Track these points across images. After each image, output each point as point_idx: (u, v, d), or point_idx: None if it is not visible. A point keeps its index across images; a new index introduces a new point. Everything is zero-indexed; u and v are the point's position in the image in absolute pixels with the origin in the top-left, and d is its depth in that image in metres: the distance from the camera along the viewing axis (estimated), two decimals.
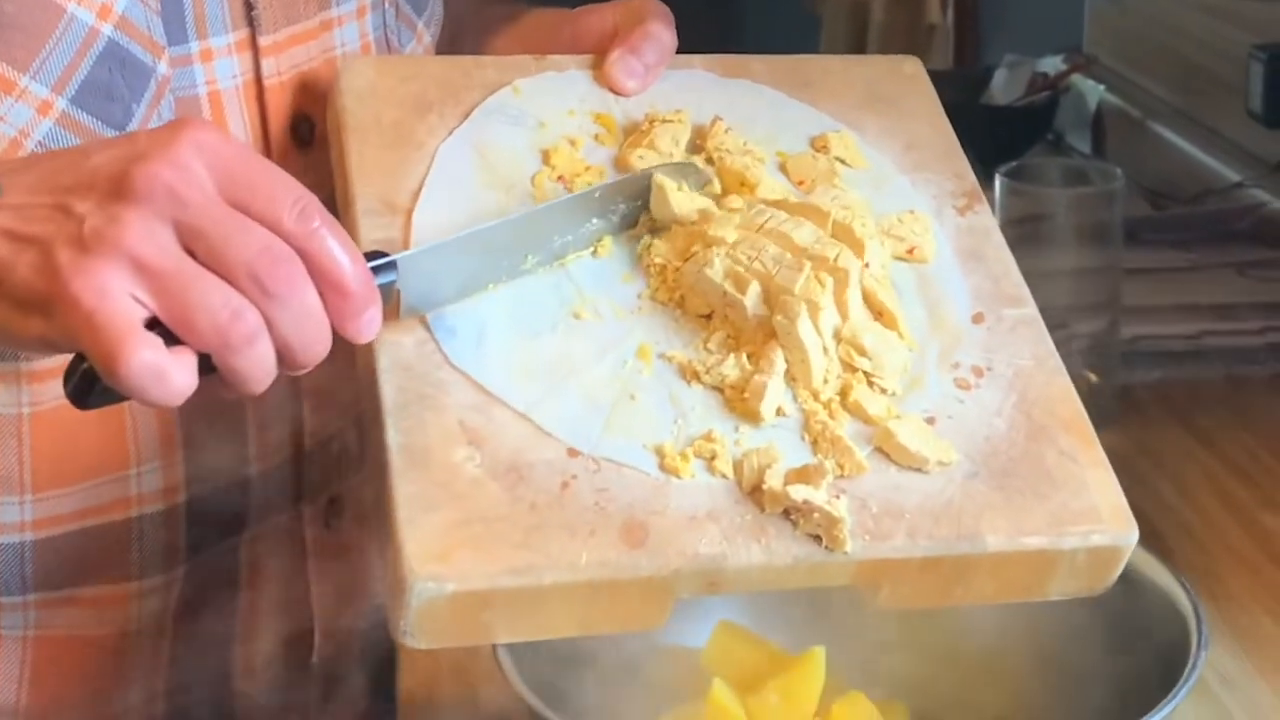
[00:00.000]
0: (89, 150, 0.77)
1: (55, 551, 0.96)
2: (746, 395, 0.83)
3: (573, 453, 0.81)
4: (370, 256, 0.79)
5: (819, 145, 0.97)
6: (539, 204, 0.90)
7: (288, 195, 0.75)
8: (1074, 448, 0.86)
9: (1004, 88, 2.19)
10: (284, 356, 0.76)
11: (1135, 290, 1.48)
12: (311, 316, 0.75)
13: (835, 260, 0.85)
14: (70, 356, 0.76)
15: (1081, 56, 2.20)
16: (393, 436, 0.80)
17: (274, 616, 1.06)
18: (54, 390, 0.78)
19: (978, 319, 0.90)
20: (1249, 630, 1.10)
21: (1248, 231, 1.71)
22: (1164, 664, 0.88)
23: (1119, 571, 0.85)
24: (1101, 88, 2.13)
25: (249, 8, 0.95)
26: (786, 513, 0.81)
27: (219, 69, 0.95)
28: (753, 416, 0.83)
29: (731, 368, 0.84)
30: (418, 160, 0.92)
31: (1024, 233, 1.35)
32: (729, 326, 0.86)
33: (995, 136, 1.89)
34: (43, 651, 0.99)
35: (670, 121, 0.95)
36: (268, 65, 0.97)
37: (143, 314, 0.73)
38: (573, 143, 0.95)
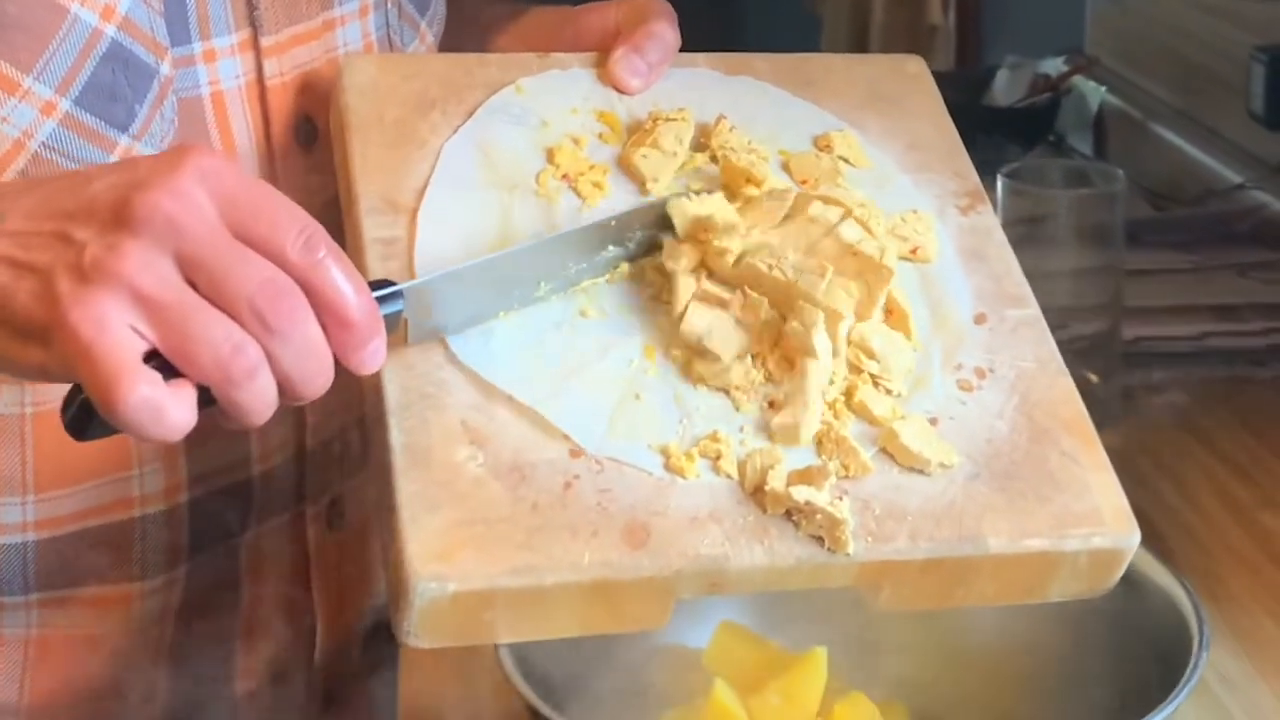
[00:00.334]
0: (90, 175, 0.76)
1: (57, 552, 0.96)
2: (776, 429, 0.83)
3: (575, 453, 0.81)
4: (376, 285, 0.79)
5: (822, 144, 0.97)
6: (552, 232, 0.89)
7: (292, 224, 0.74)
8: (1076, 449, 0.86)
9: (1005, 89, 2.19)
10: (285, 389, 0.75)
11: (1136, 291, 1.47)
12: (313, 350, 0.75)
13: (881, 258, 0.85)
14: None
15: (1083, 58, 2.20)
16: (395, 436, 0.80)
17: (276, 617, 1.06)
18: (57, 391, 0.78)
19: (980, 319, 0.90)
20: (1250, 631, 1.10)
21: (1249, 233, 1.71)
22: (1165, 664, 0.88)
23: (1120, 573, 0.85)
24: (1103, 89, 2.13)
25: (251, 8, 0.95)
26: (789, 514, 0.81)
27: (222, 69, 0.95)
28: (791, 442, 0.83)
29: (740, 374, 0.84)
30: (421, 159, 0.92)
31: (1025, 234, 1.35)
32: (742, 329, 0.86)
33: (996, 137, 1.89)
34: (44, 651, 0.99)
35: (674, 120, 0.95)
36: (270, 66, 0.97)
37: (142, 346, 0.72)
38: (576, 141, 0.95)
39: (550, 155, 0.94)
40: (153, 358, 0.72)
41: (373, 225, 0.88)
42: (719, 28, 2.33)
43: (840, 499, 0.80)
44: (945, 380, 0.87)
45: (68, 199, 0.75)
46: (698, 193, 0.89)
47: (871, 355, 0.85)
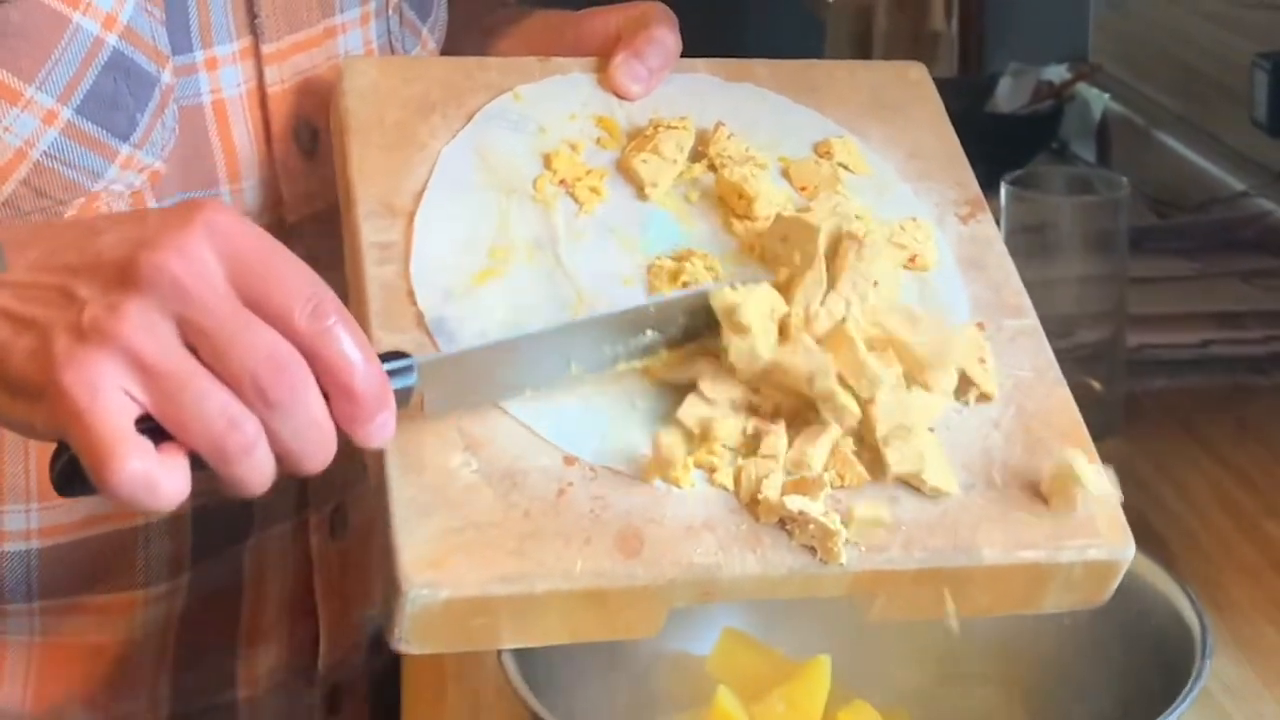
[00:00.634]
0: (98, 228, 0.75)
1: (61, 559, 0.97)
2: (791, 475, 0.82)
3: (570, 460, 0.81)
4: (390, 357, 0.77)
5: (822, 151, 0.97)
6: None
7: (301, 290, 0.72)
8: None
9: (1009, 96, 2.18)
10: (284, 462, 0.73)
11: (1140, 299, 1.47)
12: (315, 425, 0.73)
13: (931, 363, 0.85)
14: None
15: (1086, 65, 2.19)
16: (390, 442, 0.80)
17: (279, 624, 1.06)
18: None
19: (978, 329, 0.90)
20: (1253, 639, 1.10)
21: (1253, 240, 1.71)
22: (1168, 673, 0.88)
23: (1115, 585, 0.85)
24: (1106, 96, 2.13)
25: (252, 15, 0.95)
26: (782, 523, 0.80)
27: (223, 77, 0.95)
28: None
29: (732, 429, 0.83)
30: (420, 162, 0.92)
31: (1029, 241, 1.35)
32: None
33: (1000, 145, 1.89)
34: (48, 658, 1.00)
35: (675, 128, 0.95)
36: (271, 73, 0.97)
37: (135, 411, 0.70)
38: (574, 147, 0.95)
39: (548, 161, 0.94)
40: (147, 418, 0.71)
41: (370, 229, 0.88)
42: (722, 32, 2.33)
43: (834, 510, 0.80)
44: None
45: (73, 252, 0.74)
46: (744, 282, 0.86)
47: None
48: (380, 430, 0.74)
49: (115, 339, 0.70)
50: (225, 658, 1.05)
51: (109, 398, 0.70)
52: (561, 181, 0.93)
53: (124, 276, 0.71)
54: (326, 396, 0.73)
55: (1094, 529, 0.83)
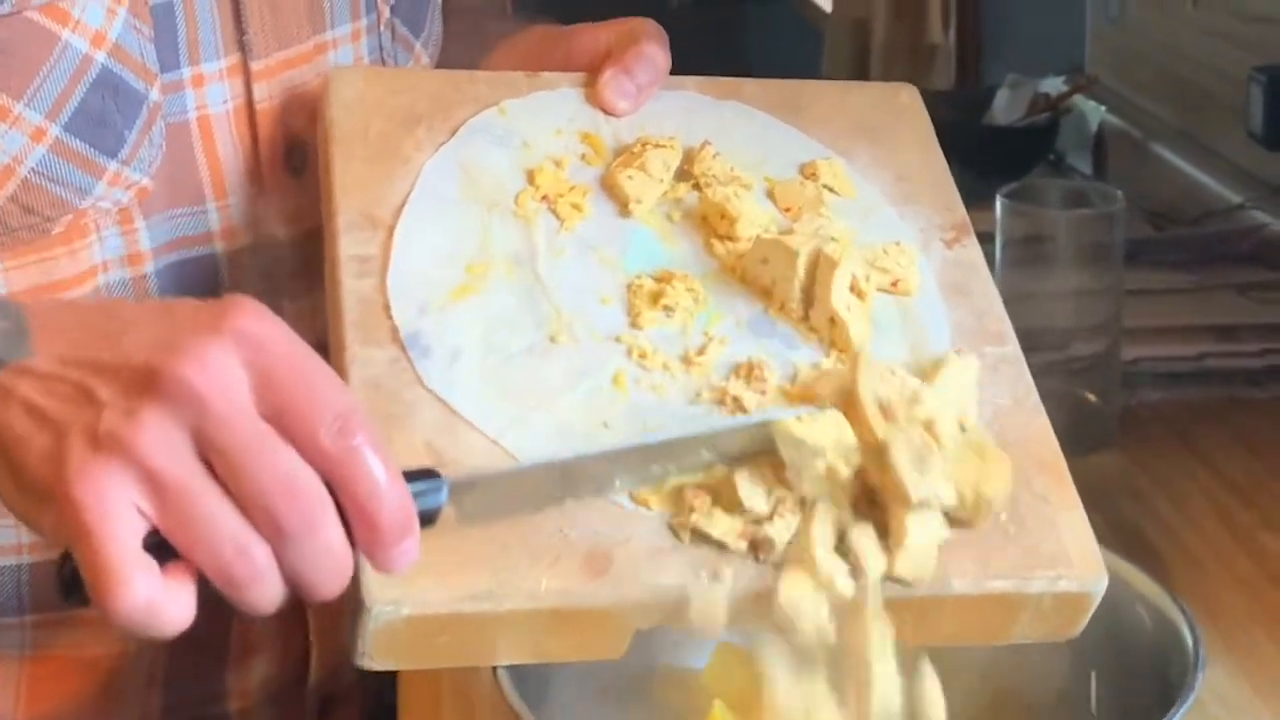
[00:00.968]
0: (128, 320, 0.73)
1: (52, 573, 0.96)
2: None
3: None
4: (419, 475, 0.74)
5: (808, 172, 0.97)
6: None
7: (330, 405, 0.69)
8: (1048, 489, 0.85)
9: (1005, 108, 2.19)
10: (294, 589, 0.71)
11: (1136, 312, 1.47)
12: (329, 554, 0.70)
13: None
14: None
15: (1083, 77, 2.20)
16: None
17: (270, 636, 1.06)
18: None
19: (956, 354, 0.89)
20: (1248, 652, 1.10)
21: (1249, 253, 1.71)
22: (1162, 685, 0.88)
23: (1087, 618, 0.84)
24: (1103, 109, 2.13)
25: (240, 32, 0.96)
26: (752, 546, 0.80)
27: (210, 94, 0.95)
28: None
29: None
30: (403, 175, 0.91)
31: (1025, 254, 1.35)
32: None
33: (996, 157, 1.89)
34: (40, 671, 1.00)
35: (662, 147, 0.95)
36: (259, 90, 0.97)
37: (144, 528, 0.68)
38: (558, 163, 0.95)
39: (531, 176, 0.94)
40: (157, 531, 0.69)
41: (349, 241, 0.88)
42: (720, 48, 2.33)
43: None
44: None
45: (100, 347, 0.71)
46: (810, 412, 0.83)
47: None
48: (401, 558, 0.71)
49: (129, 449, 0.68)
50: (216, 670, 1.05)
51: (118, 519, 0.67)
52: (544, 197, 0.93)
53: (145, 383, 0.69)
54: (346, 519, 0.70)
55: (1067, 560, 0.82)
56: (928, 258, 0.94)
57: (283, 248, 0.99)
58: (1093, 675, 0.95)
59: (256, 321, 0.70)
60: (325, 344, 0.84)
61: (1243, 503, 1.29)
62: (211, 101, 0.95)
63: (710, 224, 0.93)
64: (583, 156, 0.96)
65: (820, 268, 0.88)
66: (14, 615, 0.97)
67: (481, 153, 0.94)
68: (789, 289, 0.89)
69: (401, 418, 0.81)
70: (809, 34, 3.49)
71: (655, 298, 0.89)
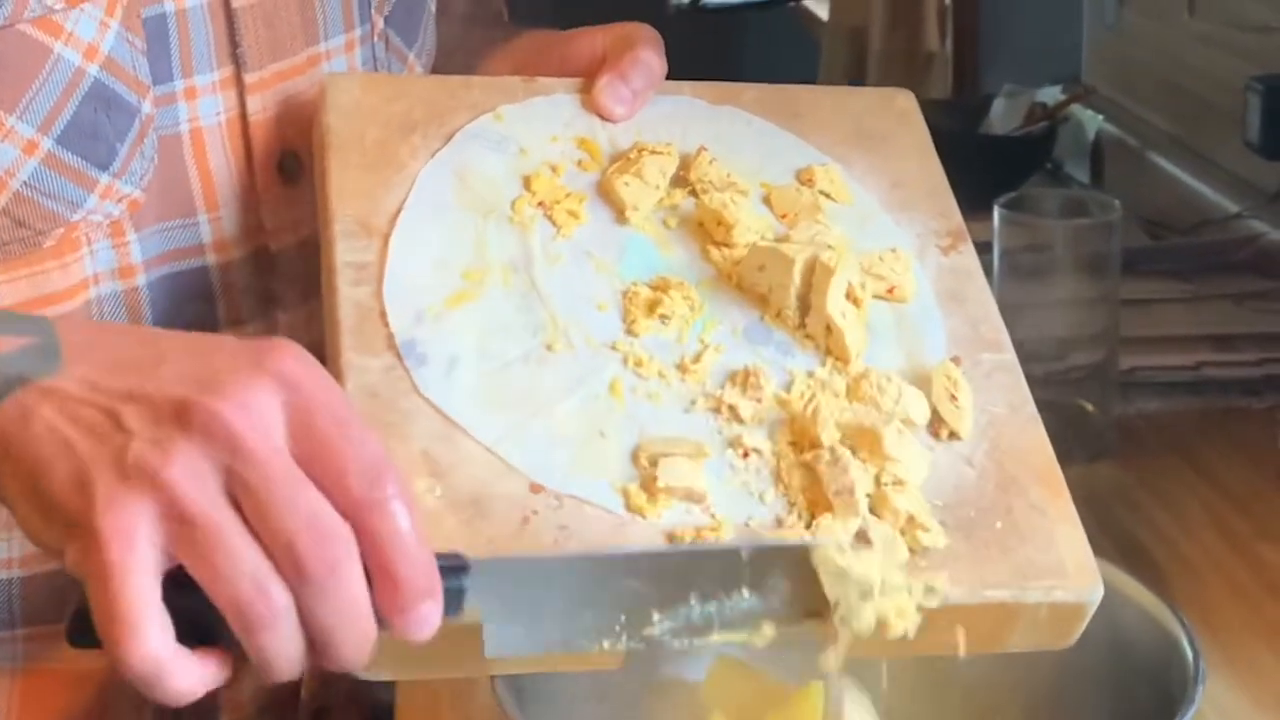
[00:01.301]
0: (165, 351, 0.72)
1: (43, 587, 0.96)
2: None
3: (535, 488, 0.80)
4: (446, 559, 0.72)
5: (804, 178, 0.97)
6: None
7: (363, 455, 0.69)
8: (1044, 500, 0.85)
9: (1003, 117, 2.19)
10: (315, 646, 0.69)
11: (1133, 321, 1.47)
12: (351, 607, 0.68)
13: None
14: None
15: (1080, 87, 2.20)
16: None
17: None
18: None
19: (954, 363, 0.89)
20: (1247, 663, 1.09)
21: (1246, 262, 1.71)
22: (1161, 698, 0.87)
23: (1082, 628, 0.84)
24: (1100, 118, 2.13)
25: (234, 45, 0.95)
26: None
27: (202, 106, 0.95)
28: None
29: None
30: (399, 182, 0.91)
31: (1022, 264, 1.35)
32: None
33: (994, 166, 1.89)
34: (32, 685, 0.99)
35: (659, 153, 0.95)
36: (253, 102, 0.96)
37: (165, 566, 0.67)
38: (554, 169, 0.95)
39: (527, 183, 0.94)
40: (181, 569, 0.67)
41: (345, 248, 0.88)
42: (717, 53, 2.34)
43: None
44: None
45: (134, 375, 0.70)
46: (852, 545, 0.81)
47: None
48: (423, 622, 0.70)
49: (155, 481, 0.67)
50: None
51: (142, 561, 0.66)
52: (540, 204, 0.93)
53: (178, 417, 0.68)
54: (370, 578, 0.69)
55: (1062, 570, 0.82)
56: (924, 264, 0.94)
57: (276, 258, 0.99)
58: (1092, 688, 0.94)
59: (298, 365, 0.70)
60: (322, 352, 0.84)
61: (1240, 513, 1.29)
62: (204, 114, 0.95)
63: (707, 230, 0.93)
64: (579, 163, 0.96)
65: (817, 275, 0.88)
66: (6, 629, 0.97)
67: (477, 159, 0.94)
68: (785, 296, 0.89)
69: (398, 425, 0.81)
70: (805, 42, 3.49)
71: (652, 307, 0.89)
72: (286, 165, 0.98)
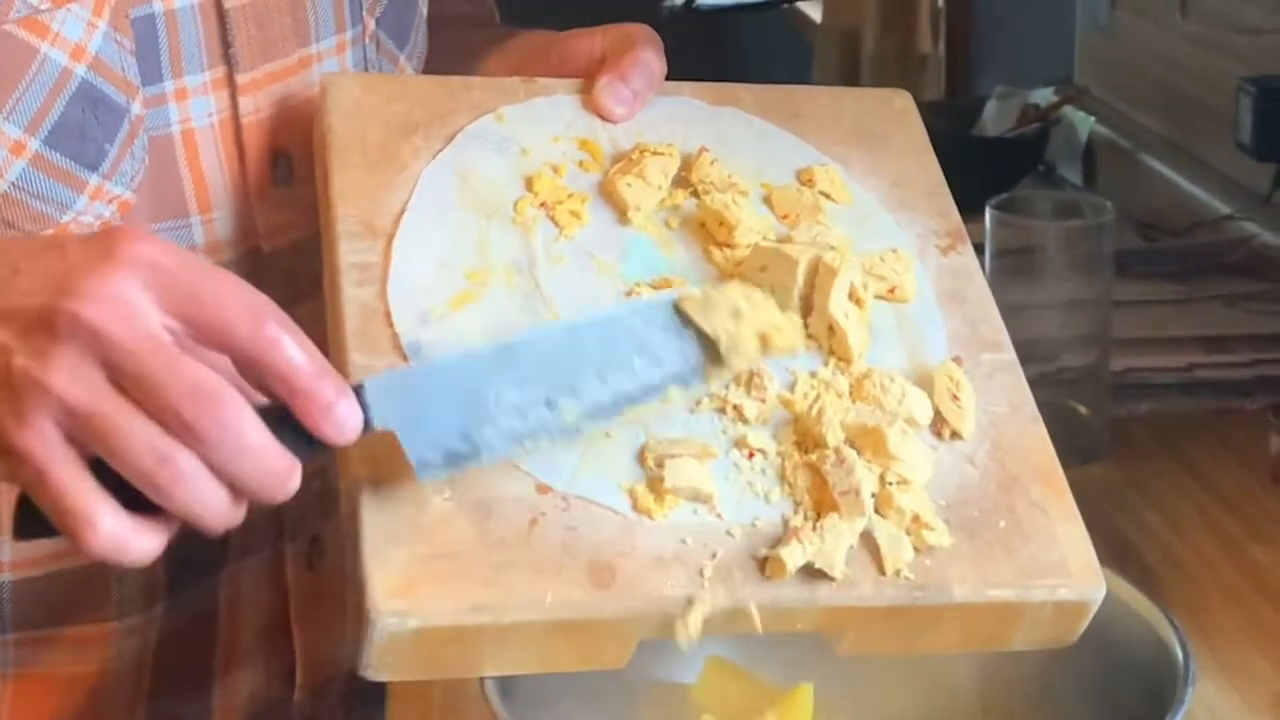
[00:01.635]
0: (15, 262, 0.74)
1: (34, 591, 0.96)
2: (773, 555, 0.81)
3: (543, 489, 0.81)
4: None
5: (805, 179, 0.97)
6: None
7: (238, 304, 0.73)
8: (1045, 499, 0.85)
9: (995, 119, 2.19)
10: (238, 493, 0.73)
11: (1125, 323, 1.47)
12: (254, 451, 0.72)
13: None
14: None
15: (1072, 88, 2.20)
16: (362, 468, 0.79)
17: (255, 654, 1.05)
18: None
19: (956, 364, 0.90)
20: (1238, 664, 1.09)
21: (1238, 264, 1.71)
22: (1151, 699, 0.87)
23: (1085, 625, 0.84)
24: (1092, 119, 2.13)
25: (226, 45, 0.95)
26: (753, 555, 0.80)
27: (193, 107, 0.95)
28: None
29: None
30: (401, 183, 0.91)
31: (1014, 265, 1.35)
32: None
33: (986, 168, 1.89)
34: (23, 689, 0.99)
35: (660, 154, 0.95)
36: (245, 103, 0.96)
37: (88, 454, 0.72)
38: (556, 169, 0.94)
39: (529, 183, 0.93)
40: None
41: (349, 249, 0.88)
42: (710, 55, 2.34)
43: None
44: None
45: None
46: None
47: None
48: (346, 421, 0.74)
49: (46, 391, 0.71)
50: (202, 687, 1.04)
51: (66, 460, 0.71)
52: (542, 204, 0.93)
53: (45, 325, 0.71)
54: (286, 409, 0.73)
55: (1065, 569, 0.83)
56: (924, 265, 0.94)
57: (269, 259, 0.99)
58: (1082, 689, 0.94)
59: (147, 245, 0.73)
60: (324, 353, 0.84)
61: (1232, 514, 1.29)
62: (195, 115, 0.95)
63: (709, 231, 0.93)
64: (580, 163, 0.95)
65: (820, 275, 0.88)
66: None
67: (479, 160, 0.94)
68: (788, 296, 0.89)
69: None
70: (799, 44, 3.49)
71: None
72: (279, 166, 0.98)
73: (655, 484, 0.81)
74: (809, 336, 0.89)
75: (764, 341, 0.82)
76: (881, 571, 0.81)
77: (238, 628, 1.04)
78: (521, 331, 0.84)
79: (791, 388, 0.87)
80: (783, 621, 0.80)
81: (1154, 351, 1.52)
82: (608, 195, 0.94)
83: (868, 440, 0.84)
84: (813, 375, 0.87)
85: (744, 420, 0.85)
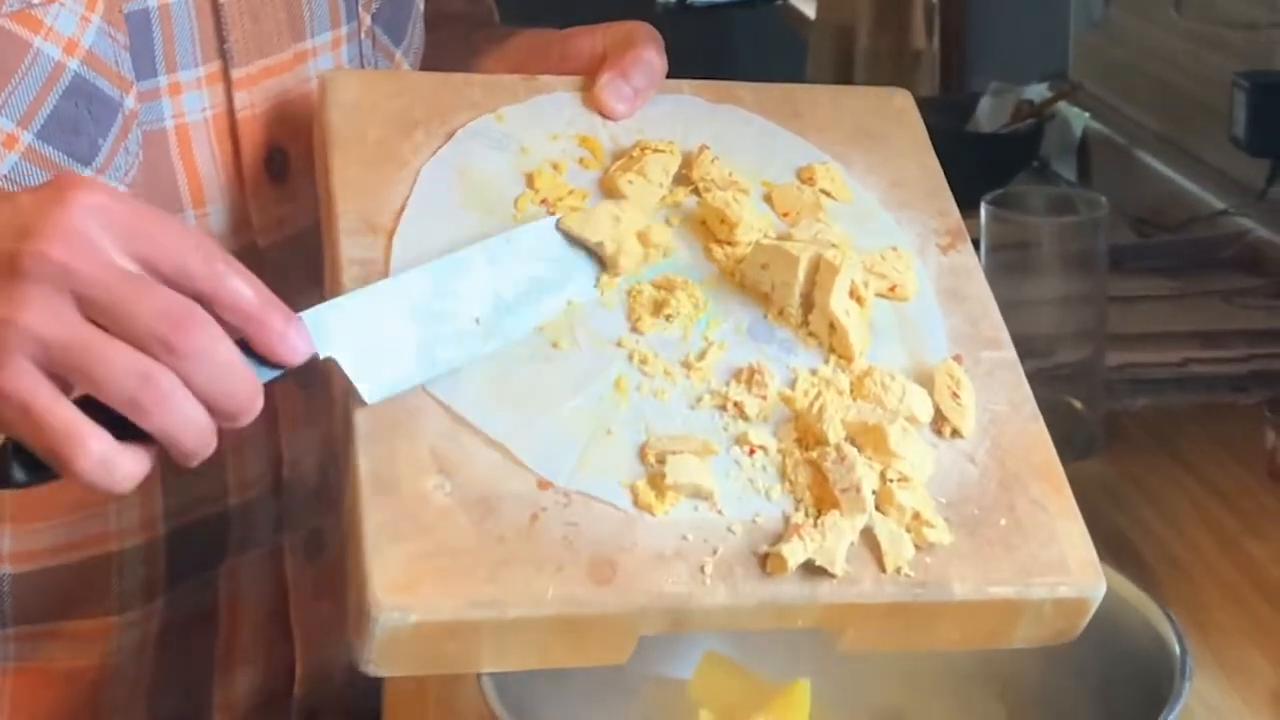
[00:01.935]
0: None
1: (35, 585, 0.96)
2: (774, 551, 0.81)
3: (544, 485, 0.81)
4: None
5: (805, 177, 0.97)
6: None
7: (187, 241, 0.76)
8: (1045, 496, 0.85)
9: (989, 115, 2.19)
10: (215, 413, 0.76)
11: (1120, 318, 1.47)
12: (227, 367, 0.75)
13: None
14: None
15: (1067, 84, 2.20)
16: (363, 463, 0.80)
17: (255, 648, 1.06)
18: None
19: (956, 361, 0.90)
20: (1235, 659, 1.09)
21: (1232, 259, 1.71)
22: (1148, 694, 0.87)
23: (1085, 622, 0.84)
24: (1087, 115, 2.13)
25: (221, 40, 0.95)
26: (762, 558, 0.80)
27: (187, 102, 0.95)
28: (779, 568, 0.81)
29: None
30: (401, 180, 0.91)
31: (1009, 261, 1.35)
32: None
33: (981, 164, 1.89)
34: (23, 683, 0.99)
35: (662, 152, 0.95)
36: (240, 98, 0.96)
37: (64, 391, 0.73)
38: (556, 167, 0.94)
39: (530, 180, 0.93)
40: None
41: (350, 245, 0.88)
42: (704, 52, 2.33)
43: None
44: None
45: None
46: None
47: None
48: (298, 344, 0.78)
49: (23, 330, 0.73)
50: (202, 682, 1.04)
51: (48, 393, 0.73)
52: (543, 201, 0.93)
53: (11, 268, 0.73)
54: (239, 342, 0.76)
55: (1065, 567, 0.83)
56: (924, 263, 0.94)
57: (264, 255, 0.99)
58: (1080, 685, 0.94)
59: (96, 192, 0.75)
60: None
61: (1228, 509, 1.29)
62: (189, 110, 0.95)
63: (709, 229, 0.93)
64: (581, 161, 0.95)
65: (820, 273, 0.88)
66: None
67: (479, 157, 0.94)
68: (789, 294, 0.89)
69: (406, 424, 0.81)
70: (793, 40, 3.49)
71: (657, 305, 0.89)
72: (274, 162, 0.98)
73: (656, 480, 0.82)
74: (810, 335, 0.89)
75: (643, 240, 0.89)
76: (882, 569, 0.81)
77: (237, 622, 1.04)
78: (437, 261, 0.87)
79: (792, 385, 0.87)
80: (783, 618, 0.81)
81: (1149, 347, 1.52)
82: (609, 192, 0.94)
83: (868, 437, 0.84)
84: (814, 373, 0.87)
85: (745, 417, 0.85)
